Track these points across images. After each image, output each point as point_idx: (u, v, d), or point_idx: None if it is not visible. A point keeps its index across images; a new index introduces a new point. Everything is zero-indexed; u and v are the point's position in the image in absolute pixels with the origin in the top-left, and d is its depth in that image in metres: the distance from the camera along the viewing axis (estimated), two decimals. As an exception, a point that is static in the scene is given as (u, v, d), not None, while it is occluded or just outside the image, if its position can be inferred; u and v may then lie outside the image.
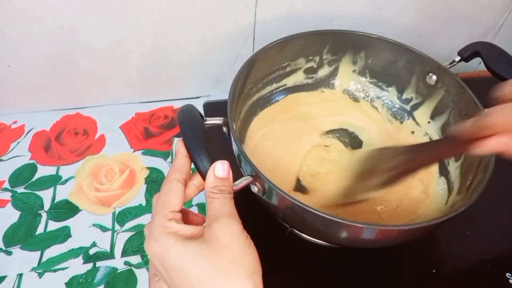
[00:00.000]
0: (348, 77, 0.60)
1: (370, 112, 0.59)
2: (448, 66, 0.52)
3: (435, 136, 0.55)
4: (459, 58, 0.52)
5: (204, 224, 0.33)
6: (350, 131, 0.57)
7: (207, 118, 0.40)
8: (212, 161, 0.33)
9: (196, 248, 0.29)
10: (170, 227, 0.31)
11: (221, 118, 0.42)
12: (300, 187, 0.50)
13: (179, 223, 0.31)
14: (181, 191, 0.33)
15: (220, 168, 0.33)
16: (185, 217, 0.35)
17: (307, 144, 0.54)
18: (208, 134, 0.35)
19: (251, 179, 0.37)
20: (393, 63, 0.56)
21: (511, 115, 0.31)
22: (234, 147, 0.42)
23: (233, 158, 0.42)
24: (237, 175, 0.36)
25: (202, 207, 0.52)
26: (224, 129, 0.43)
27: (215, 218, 0.31)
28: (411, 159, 0.41)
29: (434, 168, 0.52)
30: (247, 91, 0.53)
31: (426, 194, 0.50)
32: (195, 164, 0.34)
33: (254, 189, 0.38)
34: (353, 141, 0.56)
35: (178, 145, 0.35)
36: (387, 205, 0.48)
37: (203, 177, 0.34)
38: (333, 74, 0.60)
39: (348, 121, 0.58)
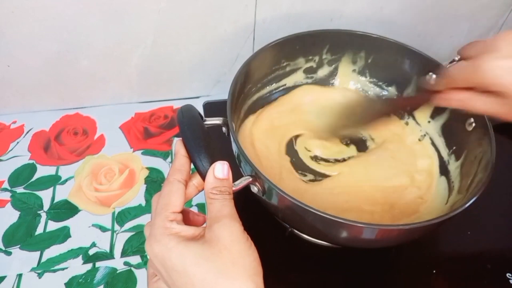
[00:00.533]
0: (348, 76, 0.60)
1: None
2: (448, 65, 0.51)
3: (436, 136, 0.54)
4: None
5: (204, 225, 0.33)
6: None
7: (207, 118, 0.40)
8: (211, 162, 0.33)
9: (198, 249, 0.29)
10: (171, 228, 0.31)
11: (221, 118, 0.42)
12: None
13: (180, 224, 0.31)
14: (182, 192, 0.33)
15: (220, 169, 0.33)
16: (186, 216, 0.35)
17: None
18: (207, 134, 0.35)
19: (250, 179, 0.37)
20: (393, 63, 0.56)
21: (466, 71, 0.35)
22: (234, 147, 0.42)
23: (232, 158, 0.42)
24: (236, 175, 0.36)
25: (202, 207, 0.52)
26: (224, 129, 0.43)
27: (215, 219, 0.31)
28: (387, 107, 0.52)
29: (435, 168, 0.52)
30: (246, 91, 0.53)
31: (426, 194, 0.50)
32: (194, 165, 0.34)
33: (254, 189, 0.38)
34: (357, 140, 0.56)
35: (177, 145, 0.35)
36: (387, 205, 0.48)
37: (203, 177, 0.34)
38: (333, 74, 0.60)
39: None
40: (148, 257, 0.33)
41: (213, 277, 0.28)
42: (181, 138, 0.35)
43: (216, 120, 0.42)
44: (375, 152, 0.54)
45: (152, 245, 0.30)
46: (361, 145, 0.56)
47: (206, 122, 0.40)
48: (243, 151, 0.39)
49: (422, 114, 0.56)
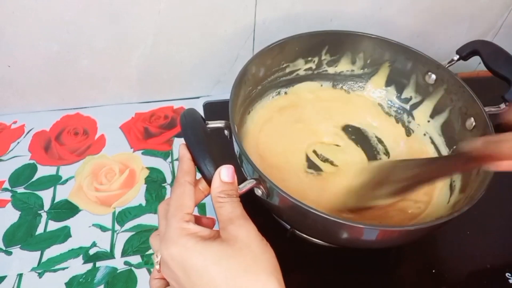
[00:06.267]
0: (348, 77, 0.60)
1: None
2: (447, 65, 0.52)
3: (436, 135, 0.55)
4: (458, 56, 0.52)
5: (215, 228, 0.33)
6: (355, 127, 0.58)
7: (209, 122, 0.40)
8: (216, 166, 0.33)
9: (217, 248, 0.29)
10: (188, 229, 0.30)
11: (223, 121, 0.42)
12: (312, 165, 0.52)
13: (196, 225, 0.31)
14: (193, 194, 0.33)
15: (225, 173, 0.33)
16: (198, 222, 0.35)
17: (306, 141, 0.55)
18: (210, 137, 0.35)
19: (255, 182, 0.37)
20: (392, 63, 0.56)
21: None
22: (236, 149, 0.42)
23: (235, 161, 0.42)
24: (238, 176, 0.36)
25: (202, 207, 0.52)
26: (226, 132, 0.43)
27: (229, 221, 0.31)
28: (424, 172, 0.43)
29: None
30: (247, 93, 0.52)
31: (428, 193, 0.50)
32: (199, 169, 0.34)
33: (258, 192, 0.38)
34: (359, 138, 0.57)
35: (182, 149, 0.35)
36: (388, 206, 0.48)
37: (208, 181, 0.34)
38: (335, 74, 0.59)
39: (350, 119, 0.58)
40: (156, 266, 0.32)
41: (236, 275, 0.28)
42: (184, 143, 0.36)
43: (218, 123, 0.42)
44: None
45: (169, 248, 0.30)
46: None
47: (208, 126, 0.40)
48: (246, 154, 0.39)
49: (422, 114, 0.56)
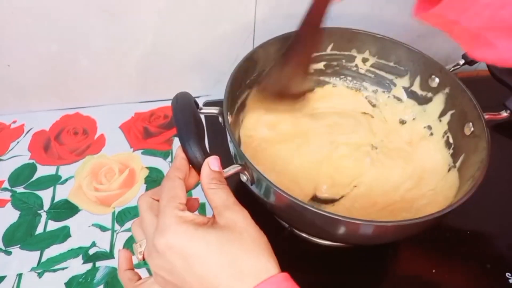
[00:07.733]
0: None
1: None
2: (452, 69, 0.51)
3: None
4: (463, 61, 0.52)
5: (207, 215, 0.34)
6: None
7: (203, 107, 0.41)
8: (200, 148, 0.34)
9: (218, 233, 0.30)
10: (186, 217, 0.31)
11: (217, 107, 0.43)
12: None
13: (191, 213, 0.32)
14: (184, 187, 0.34)
15: (214, 162, 0.34)
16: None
17: (319, 149, 0.53)
18: (200, 121, 0.36)
19: (239, 167, 0.38)
20: (396, 64, 0.56)
21: None
22: (228, 137, 0.42)
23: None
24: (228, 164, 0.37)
25: (202, 207, 0.52)
26: (220, 119, 0.43)
27: (225, 207, 0.32)
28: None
29: (434, 167, 0.52)
30: (248, 83, 0.52)
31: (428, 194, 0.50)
32: (183, 149, 0.35)
33: (243, 178, 0.39)
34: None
35: (178, 149, 0.36)
36: (391, 207, 0.48)
37: (192, 162, 0.35)
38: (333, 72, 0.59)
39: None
40: (139, 256, 0.33)
41: (239, 258, 0.29)
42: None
43: (213, 109, 0.42)
44: (380, 161, 0.53)
45: (166, 236, 0.30)
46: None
47: (202, 111, 0.40)
48: (234, 139, 0.40)
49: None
